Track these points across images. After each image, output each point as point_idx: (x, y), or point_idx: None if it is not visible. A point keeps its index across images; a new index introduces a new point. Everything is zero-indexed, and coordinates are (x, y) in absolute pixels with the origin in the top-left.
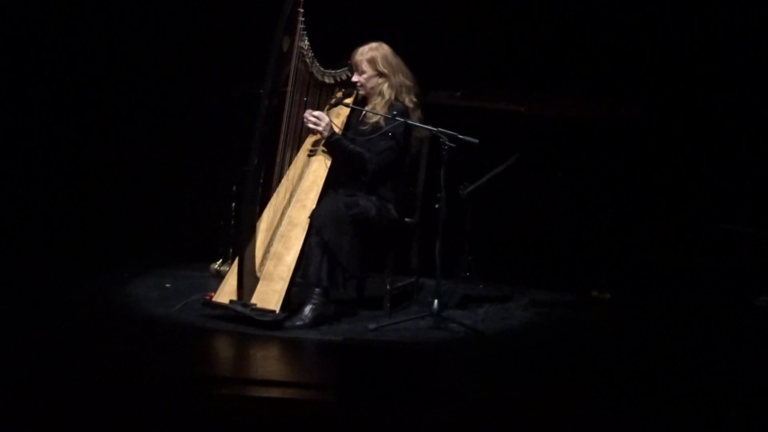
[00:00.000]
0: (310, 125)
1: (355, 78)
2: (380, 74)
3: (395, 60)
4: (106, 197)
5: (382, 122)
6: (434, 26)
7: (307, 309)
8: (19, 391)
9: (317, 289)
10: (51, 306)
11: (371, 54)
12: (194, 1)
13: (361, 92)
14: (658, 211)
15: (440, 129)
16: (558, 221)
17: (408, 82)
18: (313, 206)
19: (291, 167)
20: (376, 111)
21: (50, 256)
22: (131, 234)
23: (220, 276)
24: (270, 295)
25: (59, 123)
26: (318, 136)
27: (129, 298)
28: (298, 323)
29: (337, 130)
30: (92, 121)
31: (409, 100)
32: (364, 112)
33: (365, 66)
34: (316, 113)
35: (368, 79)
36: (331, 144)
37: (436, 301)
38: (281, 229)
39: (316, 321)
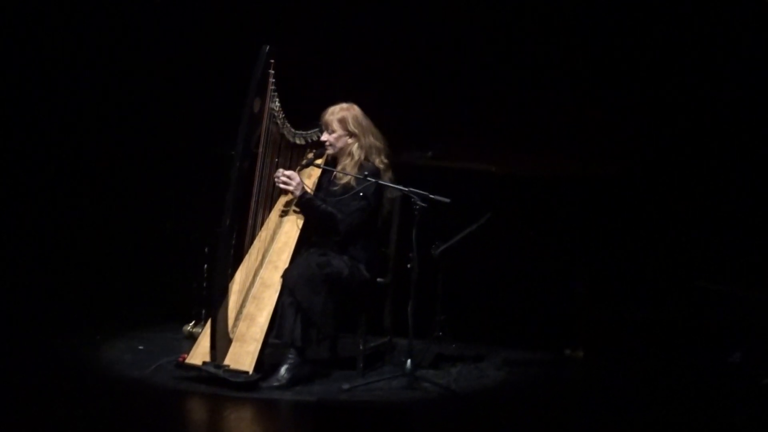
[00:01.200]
0: (282, 185)
1: (324, 137)
2: (350, 134)
3: (365, 121)
4: (79, 259)
5: (353, 182)
6: (404, 87)
7: (283, 369)
8: None
9: (292, 349)
10: (23, 369)
11: (342, 114)
12: (166, 63)
13: (330, 151)
14: (631, 268)
15: (411, 189)
16: (530, 280)
17: (378, 144)
18: (286, 267)
19: (263, 228)
20: (347, 171)
21: (22, 318)
22: (104, 296)
23: (193, 337)
24: (243, 357)
25: (30, 184)
26: (290, 197)
27: (102, 361)
28: (274, 384)
29: (308, 190)
30: (65, 182)
31: (379, 161)
32: (335, 173)
33: (336, 125)
34: (288, 173)
35: (338, 138)
36: (303, 204)
37: (409, 361)
38: (254, 290)
39: (293, 381)
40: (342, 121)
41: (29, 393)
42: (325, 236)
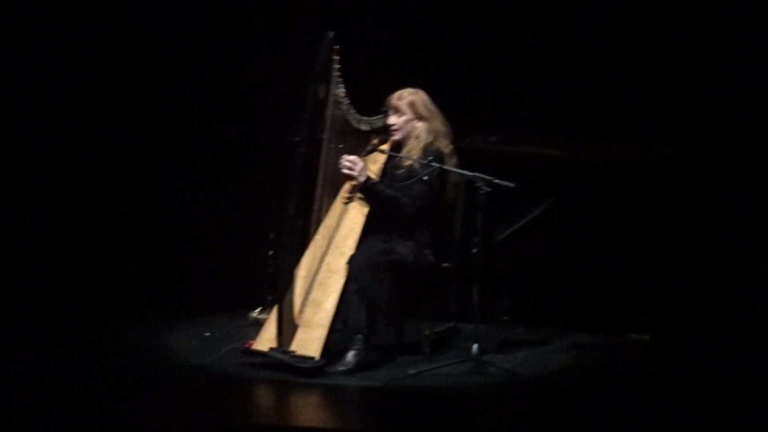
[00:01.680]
0: (345, 170)
1: (392, 120)
2: (419, 117)
3: (433, 106)
4: (146, 246)
5: (417, 166)
6: (468, 73)
7: (351, 355)
8: None
9: (358, 336)
10: (91, 355)
11: (411, 98)
12: (230, 50)
13: (396, 136)
14: (697, 251)
15: (476, 173)
16: (596, 263)
17: (444, 129)
18: (351, 253)
19: (328, 214)
20: (411, 157)
21: (90, 305)
22: (170, 283)
23: (258, 324)
24: (309, 342)
25: (106, 169)
26: (354, 183)
27: (168, 348)
28: (341, 369)
29: (373, 176)
30: (136, 169)
31: (445, 146)
32: (399, 158)
33: (405, 108)
34: (351, 158)
35: (407, 122)
36: (366, 189)
37: (475, 346)
38: (319, 276)
39: (359, 366)
40: (411, 104)
41: (98, 381)
42: (390, 222)
